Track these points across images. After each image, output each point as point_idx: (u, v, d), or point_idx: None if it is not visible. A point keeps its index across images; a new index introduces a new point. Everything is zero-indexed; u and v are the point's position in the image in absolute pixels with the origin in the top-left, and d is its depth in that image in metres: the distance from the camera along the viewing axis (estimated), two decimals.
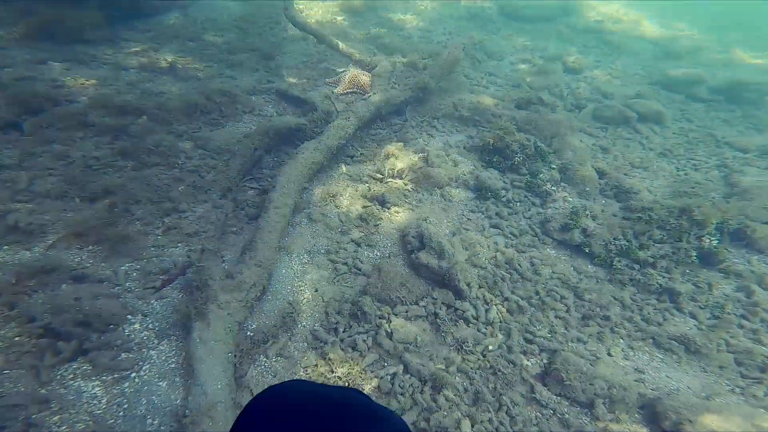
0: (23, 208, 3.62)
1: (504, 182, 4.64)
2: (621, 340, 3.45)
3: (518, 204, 4.50)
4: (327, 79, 5.97)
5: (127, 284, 3.39)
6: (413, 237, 3.88)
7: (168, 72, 5.87)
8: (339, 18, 8.38)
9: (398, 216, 4.20)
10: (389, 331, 3.29)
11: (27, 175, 3.88)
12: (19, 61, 5.54)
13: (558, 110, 5.95)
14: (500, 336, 3.32)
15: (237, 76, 6.01)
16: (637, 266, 3.89)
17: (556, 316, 3.52)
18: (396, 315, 3.40)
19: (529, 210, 4.46)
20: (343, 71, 6.31)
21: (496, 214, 4.36)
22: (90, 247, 3.53)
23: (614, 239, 4.02)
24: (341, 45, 6.08)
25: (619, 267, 3.88)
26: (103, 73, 5.56)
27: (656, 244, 3.97)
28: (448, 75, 5.68)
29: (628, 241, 3.97)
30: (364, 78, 5.67)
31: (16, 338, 2.95)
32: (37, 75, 5.25)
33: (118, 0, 6.77)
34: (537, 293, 3.66)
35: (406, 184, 4.49)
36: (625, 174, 5.23)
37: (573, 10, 10.31)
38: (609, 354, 3.32)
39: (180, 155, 4.42)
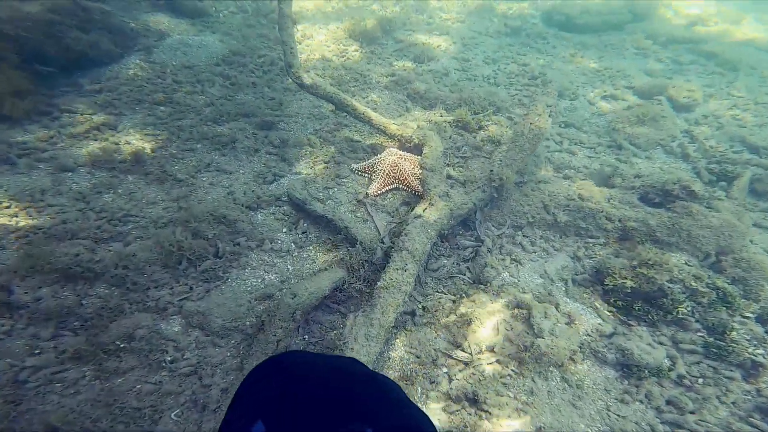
0: None
1: (662, 343, 3.38)
2: None
3: (700, 381, 3.24)
4: (354, 165, 4.62)
5: None
6: None
7: (134, 167, 4.46)
8: (350, 48, 6.89)
9: (504, 426, 2.98)
10: None
11: None
12: None
13: (720, 205, 4.05)
14: None
15: (230, 167, 4.62)
16: None
17: None
18: None
19: (726, 391, 3.18)
20: (371, 146, 4.94)
21: (668, 402, 3.12)
22: None
23: None
24: (371, 114, 4.68)
25: None
26: (39, 183, 4.13)
27: None
28: (529, 156, 4.34)
29: None
30: (408, 166, 4.33)
31: None
32: None
33: (46, 49, 5.19)
34: None
35: (502, 364, 3.25)
36: None
37: (646, 13, 8.67)
38: None
39: (167, 346, 3.11)
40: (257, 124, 5.19)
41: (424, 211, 3.72)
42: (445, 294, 3.66)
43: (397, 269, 3.31)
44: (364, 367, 0.73)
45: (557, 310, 3.52)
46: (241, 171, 4.58)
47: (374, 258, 3.58)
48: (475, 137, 5.17)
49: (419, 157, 4.46)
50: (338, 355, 0.84)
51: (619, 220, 3.92)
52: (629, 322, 3.51)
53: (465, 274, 3.75)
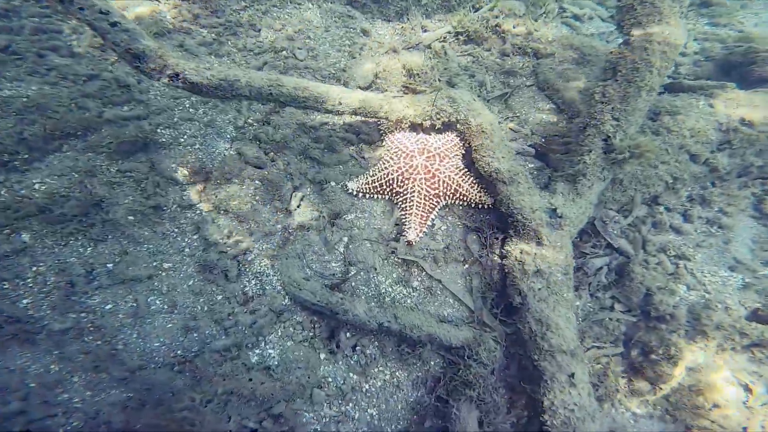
0: None
1: None
2: None
3: None
4: (350, 184, 2.90)
5: None
6: None
7: None
8: None
9: None
10: None
11: None
12: None
13: None
14: None
15: (138, 277, 2.61)
16: None
17: None
18: None
19: None
20: (351, 127, 3.13)
21: None
22: None
23: None
24: (346, 96, 2.70)
25: None
26: None
27: None
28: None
29: None
30: (449, 165, 2.81)
31: None
32: None
33: None
34: None
35: None
36: None
37: None
38: None
39: None
40: (112, 148, 2.83)
41: (534, 261, 2.46)
42: (603, 346, 2.72)
43: (563, 389, 2.24)
44: None
45: None
46: (164, 278, 2.57)
47: (495, 365, 2.44)
48: (490, 51, 3.49)
49: (456, 137, 2.86)
50: None
51: None
52: None
53: (615, 308, 2.79)
